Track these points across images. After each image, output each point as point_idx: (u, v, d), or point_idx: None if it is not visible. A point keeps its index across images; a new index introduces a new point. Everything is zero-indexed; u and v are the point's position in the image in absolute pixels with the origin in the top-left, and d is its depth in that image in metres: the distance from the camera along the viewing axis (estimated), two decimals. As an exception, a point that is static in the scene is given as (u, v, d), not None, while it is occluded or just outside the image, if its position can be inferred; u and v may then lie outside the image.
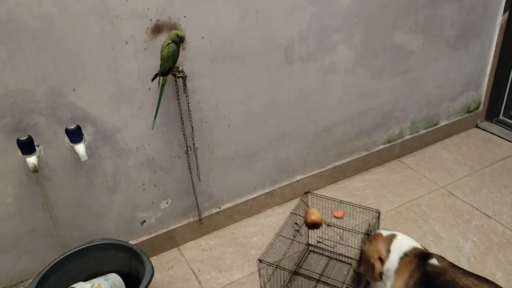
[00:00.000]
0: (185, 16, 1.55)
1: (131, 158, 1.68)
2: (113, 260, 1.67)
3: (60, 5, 1.35)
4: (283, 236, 1.59)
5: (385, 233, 1.49)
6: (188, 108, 1.68)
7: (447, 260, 1.33)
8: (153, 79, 1.56)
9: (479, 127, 2.63)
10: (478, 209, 2.03)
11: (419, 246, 1.42)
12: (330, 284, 1.65)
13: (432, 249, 1.83)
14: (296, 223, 1.71)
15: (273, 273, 1.51)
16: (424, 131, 2.45)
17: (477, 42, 2.37)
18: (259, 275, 1.46)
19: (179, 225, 1.92)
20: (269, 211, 2.11)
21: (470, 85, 2.50)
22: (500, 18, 2.35)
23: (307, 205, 1.71)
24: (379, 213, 1.60)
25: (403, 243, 1.42)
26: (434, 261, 1.31)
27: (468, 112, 2.58)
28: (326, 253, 1.82)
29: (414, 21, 2.08)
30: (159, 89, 1.56)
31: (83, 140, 1.52)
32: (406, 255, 1.38)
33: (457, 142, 2.54)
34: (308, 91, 1.96)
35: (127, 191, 1.73)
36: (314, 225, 1.64)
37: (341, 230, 1.67)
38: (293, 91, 1.92)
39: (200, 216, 1.95)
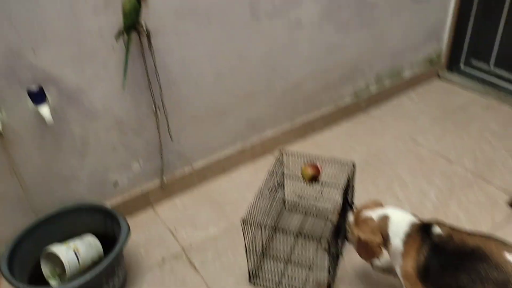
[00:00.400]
0: (145, -30, 1.49)
1: (99, 119, 1.65)
2: (87, 222, 1.68)
3: (10, -42, 1.27)
4: (269, 194, 1.61)
5: (374, 215, 1.36)
6: (155, 67, 1.65)
7: (446, 223, 1.30)
8: (116, 37, 1.52)
9: (440, 78, 2.72)
10: (441, 155, 2.13)
11: (413, 218, 1.33)
12: (311, 236, 1.72)
13: (397, 193, 1.93)
14: (277, 183, 1.75)
15: (255, 232, 1.56)
16: (389, 83, 2.51)
17: (438, -7, 2.41)
18: (244, 236, 1.50)
19: (152, 185, 1.92)
20: (241, 168, 2.15)
21: (431, 37, 2.56)
22: (460, -32, 2.39)
23: (283, 164, 1.74)
24: (354, 165, 1.64)
25: (400, 224, 1.31)
26: (437, 230, 1.25)
27: (430, 63, 2.65)
28: (304, 210, 1.88)
29: (377, -28, 2.09)
30: (124, 47, 1.52)
31: (47, 102, 1.48)
32: (408, 235, 1.28)
33: (420, 92, 2.62)
34: (275, 47, 1.96)
35: (97, 154, 1.71)
36: (314, 178, 1.67)
37: (320, 186, 1.71)
38: (260, 47, 1.91)
39: (173, 175, 1.96)
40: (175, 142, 1.88)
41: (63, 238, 1.63)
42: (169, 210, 1.95)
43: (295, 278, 1.60)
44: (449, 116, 2.40)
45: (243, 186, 2.04)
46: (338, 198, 1.71)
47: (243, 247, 1.52)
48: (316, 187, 1.78)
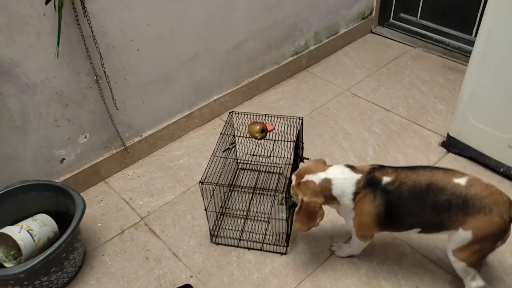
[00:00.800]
0: None
1: (37, 93, 1.57)
2: (37, 201, 1.62)
3: None
4: (220, 156, 1.63)
5: (316, 179, 1.34)
6: (92, 33, 1.58)
7: (388, 167, 1.34)
8: (46, 2, 1.43)
9: (373, 32, 2.84)
10: (378, 105, 2.27)
11: (355, 175, 1.33)
12: (266, 191, 1.78)
13: (342, 144, 2.04)
14: (232, 143, 1.77)
15: (212, 193, 1.59)
16: (327, 40, 2.59)
17: (367, -51, 2.48)
18: (202, 197, 1.52)
19: (101, 158, 1.88)
20: (191, 133, 2.15)
21: (363, -7, 2.65)
22: None
23: (232, 126, 1.76)
24: (302, 119, 1.70)
25: (344, 185, 1.32)
26: (386, 179, 1.29)
27: (363, 18, 2.75)
28: (258, 167, 1.93)
29: None
30: (56, 13, 1.44)
31: (-22, 77, 1.38)
32: (356, 193, 1.32)
33: (356, 48, 2.73)
34: (214, 7, 1.93)
35: (40, 130, 1.63)
36: (262, 132, 1.67)
37: (272, 143, 1.76)
38: (199, 7, 1.88)
39: (123, 146, 1.92)
40: (121, 112, 1.84)
41: (13, 219, 1.57)
42: (123, 182, 1.92)
43: (254, 233, 1.67)
44: (383, 68, 2.54)
45: (195, 150, 2.05)
46: (289, 153, 1.77)
47: (202, 208, 1.55)
48: (267, 144, 1.83)
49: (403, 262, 1.54)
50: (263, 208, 1.76)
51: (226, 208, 1.77)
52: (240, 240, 1.65)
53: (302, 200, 1.34)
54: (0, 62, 1.43)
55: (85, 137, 1.79)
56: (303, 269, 1.55)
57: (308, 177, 1.35)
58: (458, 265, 1.32)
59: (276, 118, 1.73)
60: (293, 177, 1.40)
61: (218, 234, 1.67)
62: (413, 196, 1.27)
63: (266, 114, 1.73)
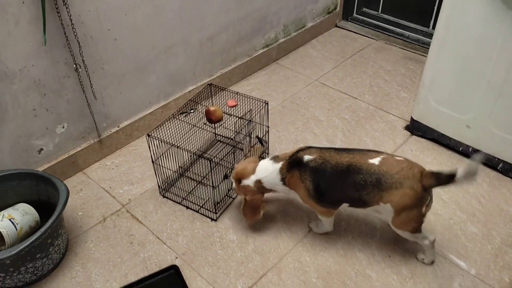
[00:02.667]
0: None
1: (15, 82, 1.56)
2: (17, 190, 1.61)
3: None
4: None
5: (250, 182, 1.54)
6: (71, 21, 1.59)
7: (314, 147, 1.49)
8: (25, -10, 1.44)
9: (338, 26, 2.97)
10: (346, 94, 2.39)
11: (276, 164, 1.50)
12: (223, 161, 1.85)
13: (314, 130, 2.14)
14: (192, 109, 1.89)
15: (161, 147, 1.69)
16: (295, 33, 2.69)
17: None
18: (150, 150, 1.66)
19: (79, 148, 1.88)
20: (166, 123, 2.17)
21: (328, -12, 2.78)
22: None
23: (211, 98, 1.85)
24: (267, 103, 1.81)
25: (271, 177, 1.50)
26: (308, 157, 1.44)
27: (328, 13, 2.88)
28: (231, 142, 2.01)
29: None
30: (39, 0, 1.44)
31: (-43, 64, 1.37)
32: (284, 178, 1.49)
33: (322, 41, 2.85)
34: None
35: (17, 119, 1.63)
36: (212, 118, 1.80)
37: (232, 119, 1.88)
38: (174, -1, 1.92)
39: (100, 136, 1.93)
40: (99, 102, 1.85)
41: (-7, 209, 1.55)
42: (101, 171, 1.93)
43: (199, 198, 1.79)
44: (348, 60, 2.67)
45: (172, 139, 2.08)
46: (251, 132, 1.87)
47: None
48: (232, 120, 1.95)
49: (376, 235, 1.66)
50: (216, 177, 1.82)
51: (185, 170, 1.89)
52: (184, 199, 1.77)
53: (245, 199, 1.57)
54: (-23, 50, 1.43)
55: (63, 127, 1.79)
56: (284, 245, 1.63)
57: (244, 182, 1.55)
58: (404, 234, 1.47)
59: (244, 98, 1.87)
60: (233, 180, 1.61)
61: (169, 189, 1.82)
62: (335, 174, 1.41)
63: (237, 92, 1.87)
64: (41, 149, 1.76)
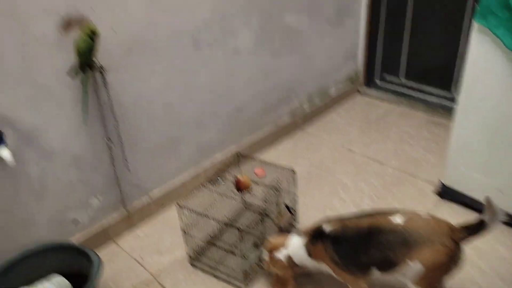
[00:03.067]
0: (94, 10, 1.58)
1: (57, 158, 1.66)
2: (52, 262, 1.65)
3: (-35, 5, 1.30)
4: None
5: (281, 256, 1.56)
6: (111, 101, 1.71)
7: (334, 217, 1.51)
8: (70, 75, 1.57)
9: (361, 93, 3.06)
10: (371, 159, 2.41)
11: (302, 240, 1.53)
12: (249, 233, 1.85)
13: (341, 196, 2.14)
14: (220, 178, 1.96)
15: (191, 216, 1.73)
16: (319, 101, 2.78)
17: (351, 20, 2.76)
18: (180, 219, 1.71)
19: (112, 219, 1.94)
20: (195, 192, 2.23)
21: (349, 57, 2.90)
22: (365, -2, 2.77)
23: (239, 167, 1.90)
24: (294, 171, 1.86)
25: (299, 254, 1.53)
26: (327, 228, 1.46)
27: (351, 81, 2.98)
28: (259, 210, 2.01)
29: (299, 2, 2.36)
30: (81, 84, 1.58)
31: (6, 144, 1.48)
32: (309, 253, 1.51)
33: (346, 107, 2.92)
34: (218, 75, 2.11)
35: (56, 194, 1.71)
36: (241, 187, 1.85)
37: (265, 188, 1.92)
38: (205, 75, 2.05)
39: (132, 206, 1.99)
40: (132, 174, 1.93)
41: (28, 282, 1.59)
42: (132, 241, 1.96)
43: (229, 267, 1.77)
44: (372, 125, 2.72)
45: (201, 209, 2.11)
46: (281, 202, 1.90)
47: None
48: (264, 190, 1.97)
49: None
50: (245, 246, 1.81)
51: (214, 238, 1.91)
52: (213, 269, 1.78)
53: (277, 274, 1.60)
54: (25, 130, 1.54)
55: (98, 199, 1.86)
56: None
57: (276, 255, 1.58)
58: None
59: (271, 166, 1.93)
60: (265, 253, 1.63)
61: (198, 259, 1.82)
62: (357, 237, 1.41)
63: (264, 161, 1.95)
64: (76, 221, 1.82)
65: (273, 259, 1.58)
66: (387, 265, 1.42)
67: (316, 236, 1.50)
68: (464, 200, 1.99)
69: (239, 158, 1.98)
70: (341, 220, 1.48)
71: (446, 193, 2.05)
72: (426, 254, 1.32)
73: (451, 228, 1.34)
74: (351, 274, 1.48)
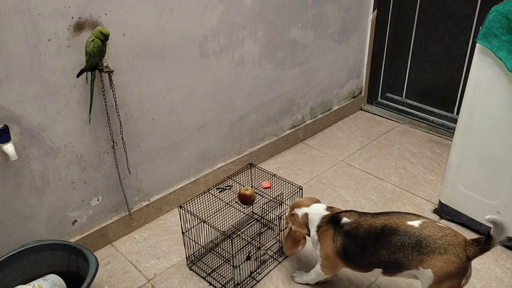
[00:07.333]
0: (106, 14, 1.61)
1: (59, 156, 1.68)
2: (49, 260, 1.65)
3: (-20, 2, 1.33)
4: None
5: (300, 212, 1.61)
6: (115, 103, 1.73)
7: (354, 212, 1.54)
8: (78, 75, 1.60)
9: (363, 109, 3.08)
10: (371, 174, 2.42)
11: (325, 211, 1.58)
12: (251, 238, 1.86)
13: (341, 210, 2.14)
14: (228, 186, 1.99)
15: (192, 221, 1.75)
16: (321, 115, 2.80)
17: (355, 36, 2.80)
18: (181, 221, 1.72)
19: (111, 221, 1.94)
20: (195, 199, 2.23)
21: (353, 74, 2.93)
22: (371, 16, 2.81)
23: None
24: (301, 188, 1.85)
25: (314, 219, 1.57)
26: (345, 220, 1.50)
27: (354, 97, 3.01)
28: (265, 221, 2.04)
29: (305, 18, 2.40)
30: (88, 84, 1.60)
31: (11, 140, 1.49)
32: (319, 227, 1.55)
33: (348, 123, 2.94)
34: (223, 83, 2.14)
35: (57, 191, 1.72)
36: (247, 201, 1.85)
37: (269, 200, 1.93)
38: (209, 83, 2.08)
39: (131, 210, 2.00)
40: (133, 176, 1.94)
41: (24, 279, 1.59)
42: (129, 244, 1.96)
43: (223, 275, 1.78)
44: (374, 141, 2.73)
45: (205, 214, 2.12)
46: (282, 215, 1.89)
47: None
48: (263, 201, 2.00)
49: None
50: (240, 256, 1.80)
51: (215, 245, 1.92)
52: (208, 275, 1.78)
53: (290, 228, 1.62)
54: (30, 127, 1.56)
55: (98, 200, 1.87)
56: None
57: (295, 211, 1.63)
58: None
59: (279, 180, 1.93)
60: (288, 208, 1.68)
61: (196, 263, 1.84)
62: (368, 237, 1.42)
63: (274, 175, 1.95)
64: (76, 221, 1.83)
65: (292, 214, 1.63)
66: (394, 267, 1.41)
67: (332, 220, 1.52)
68: (462, 220, 1.99)
69: (251, 168, 1.99)
70: (359, 216, 1.50)
71: (445, 212, 2.05)
72: (438, 262, 1.32)
73: (466, 242, 1.34)
74: (344, 266, 1.52)
